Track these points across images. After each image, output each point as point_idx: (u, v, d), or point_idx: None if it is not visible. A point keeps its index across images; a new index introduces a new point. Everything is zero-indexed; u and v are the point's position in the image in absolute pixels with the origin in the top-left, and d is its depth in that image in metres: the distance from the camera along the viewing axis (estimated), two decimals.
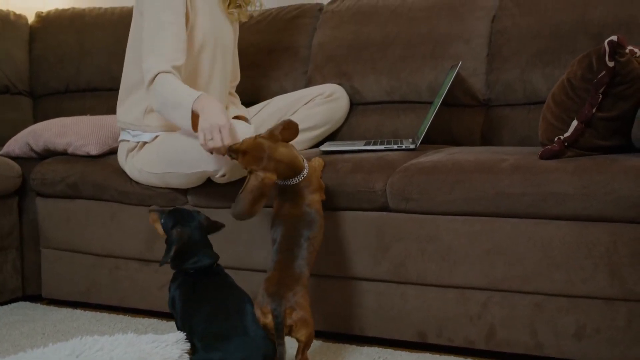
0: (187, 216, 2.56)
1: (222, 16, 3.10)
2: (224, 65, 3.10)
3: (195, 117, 2.69)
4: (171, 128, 2.92)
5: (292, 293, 2.31)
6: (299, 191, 2.47)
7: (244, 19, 3.22)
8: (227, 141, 2.57)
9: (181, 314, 2.47)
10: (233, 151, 2.42)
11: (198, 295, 2.47)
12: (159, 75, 2.79)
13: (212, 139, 2.59)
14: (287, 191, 2.49)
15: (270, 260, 2.43)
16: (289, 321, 2.29)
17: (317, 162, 2.70)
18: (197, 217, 2.56)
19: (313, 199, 2.49)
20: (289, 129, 2.45)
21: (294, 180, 2.47)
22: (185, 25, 2.90)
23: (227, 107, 3.15)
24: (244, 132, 2.65)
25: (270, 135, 2.42)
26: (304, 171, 2.48)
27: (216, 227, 2.60)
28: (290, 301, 2.30)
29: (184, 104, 2.70)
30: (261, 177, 2.37)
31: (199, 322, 2.40)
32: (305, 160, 2.52)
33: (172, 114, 2.77)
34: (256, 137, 2.43)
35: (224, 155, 2.60)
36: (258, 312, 2.32)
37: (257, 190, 2.37)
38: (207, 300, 2.45)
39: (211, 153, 2.65)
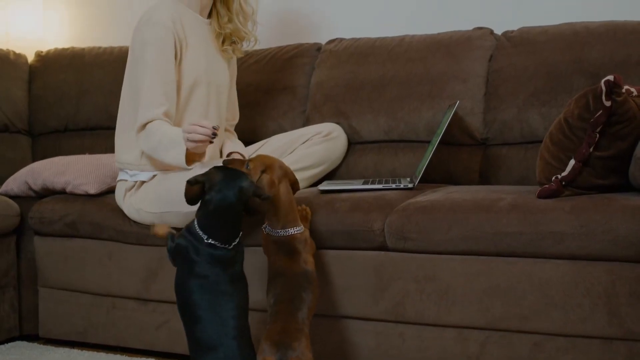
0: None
1: (217, 55, 3.13)
2: (218, 104, 3.11)
3: (189, 154, 2.74)
4: (168, 167, 2.93)
5: (297, 343, 2.28)
6: (295, 247, 2.48)
7: (239, 55, 3.24)
8: (205, 124, 2.62)
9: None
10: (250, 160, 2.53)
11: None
12: (150, 123, 2.84)
13: (192, 136, 2.64)
14: (284, 246, 2.48)
15: (269, 314, 2.40)
16: None
17: (308, 211, 2.70)
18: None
19: (308, 258, 2.49)
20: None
21: (292, 231, 2.48)
22: (174, 67, 2.93)
23: (223, 143, 3.18)
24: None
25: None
26: (301, 227, 2.51)
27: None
28: (296, 351, 2.26)
29: (177, 140, 2.74)
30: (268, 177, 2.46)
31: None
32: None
33: (165, 153, 2.79)
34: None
35: (210, 138, 2.61)
36: None
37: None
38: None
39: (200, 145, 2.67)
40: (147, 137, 2.84)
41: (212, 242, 2.37)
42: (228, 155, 3.07)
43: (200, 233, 2.38)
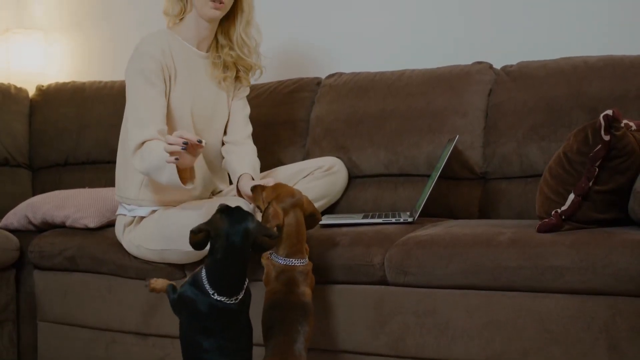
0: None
1: (211, 87, 3.12)
2: (206, 137, 3.08)
3: (179, 172, 2.65)
4: (167, 203, 2.92)
5: None
6: (295, 278, 2.47)
7: (246, 84, 3.22)
8: (179, 135, 2.49)
9: None
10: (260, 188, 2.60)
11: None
12: (145, 143, 2.80)
13: (167, 147, 2.52)
14: (284, 275, 2.47)
15: (266, 347, 2.40)
16: None
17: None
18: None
19: (306, 291, 2.48)
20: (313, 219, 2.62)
21: (295, 262, 2.47)
22: (163, 94, 2.93)
23: (230, 162, 3.13)
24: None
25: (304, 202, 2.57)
26: (305, 260, 2.50)
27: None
28: None
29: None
30: (275, 209, 2.48)
31: None
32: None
33: (158, 173, 2.73)
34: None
35: (185, 145, 2.47)
36: None
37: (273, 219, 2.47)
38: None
39: (177, 157, 2.53)
40: (142, 158, 2.79)
41: (219, 298, 2.30)
42: (239, 178, 2.99)
43: (207, 286, 2.31)
